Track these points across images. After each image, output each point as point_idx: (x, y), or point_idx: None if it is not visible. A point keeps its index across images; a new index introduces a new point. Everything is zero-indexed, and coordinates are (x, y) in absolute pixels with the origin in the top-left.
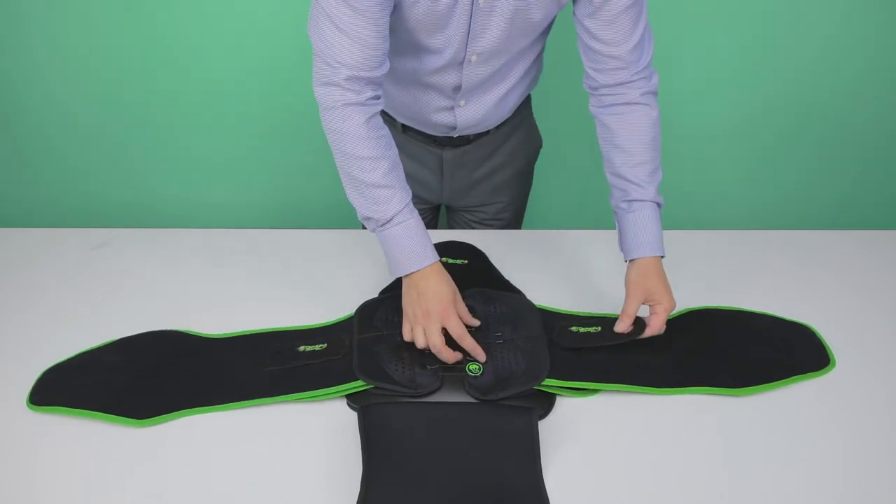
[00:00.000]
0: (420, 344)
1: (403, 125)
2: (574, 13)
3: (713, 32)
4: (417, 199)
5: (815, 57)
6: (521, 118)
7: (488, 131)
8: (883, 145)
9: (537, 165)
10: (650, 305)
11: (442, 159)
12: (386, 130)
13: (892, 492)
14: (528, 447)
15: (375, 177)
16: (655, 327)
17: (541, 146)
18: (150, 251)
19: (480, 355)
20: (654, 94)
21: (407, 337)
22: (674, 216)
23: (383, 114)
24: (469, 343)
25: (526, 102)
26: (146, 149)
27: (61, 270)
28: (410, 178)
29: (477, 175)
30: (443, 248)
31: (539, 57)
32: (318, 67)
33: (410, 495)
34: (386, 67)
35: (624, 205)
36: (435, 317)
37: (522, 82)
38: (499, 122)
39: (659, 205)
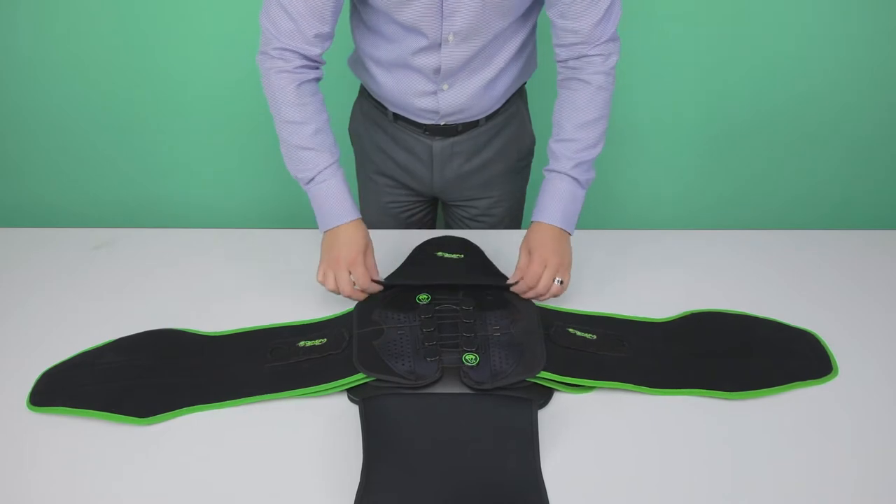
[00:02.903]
0: (329, 287)
1: (394, 114)
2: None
3: (715, 34)
4: (410, 193)
5: (815, 60)
6: (513, 112)
7: (477, 122)
8: (883, 145)
9: (536, 164)
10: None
11: (432, 150)
12: (317, 97)
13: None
14: (528, 438)
15: (300, 139)
16: (530, 276)
17: (534, 143)
18: (150, 251)
19: (373, 287)
20: (607, 73)
21: (319, 279)
22: (675, 216)
23: (376, 102)
24: (369, 288)
25: (518, 97)
26: (146, 149)
27: (61, 270)
28: (402, 170)
29: (467, 168)
30: (439, 243)
31: (526, 47)
32: (261, 40)
33: (410, 486)
34: (323, 48)
35: (545, 173)
36: (343, 263)
37: (508, 71)
38: (486, 112)
39: (577, 180)
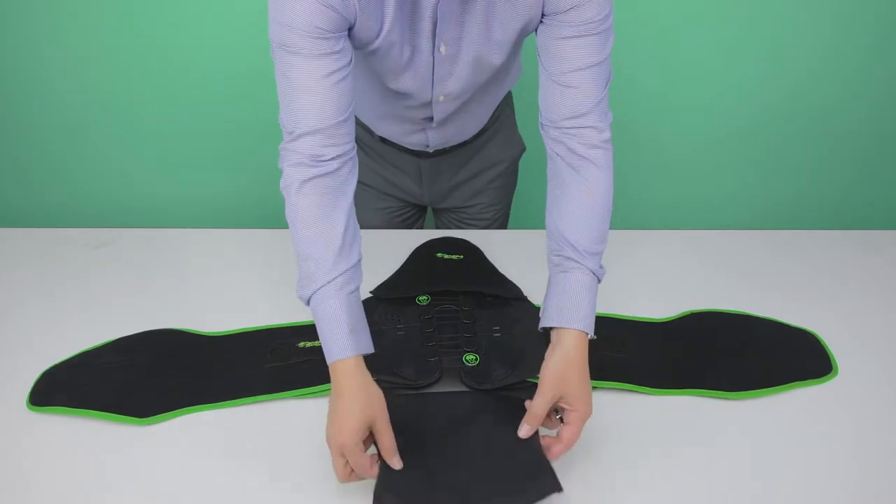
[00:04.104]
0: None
1: (381, 137)
2: (538, 46)
3: (715, 36)
4: (400, 201)
5: (815, 60)
6: (500, 125)
7: (464, 141)
8: (882, 145)
9: (531, 166)
10: (563, 409)
11: (420, 168)
12: (326, 198)
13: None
14: (529, 438)
15: (296, 244)
16: (567, 440)
17: (523, 150)
18: (150, 251)
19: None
20: (604, 147)
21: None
22: (675, 216)
23: (362, 123)
24: (356, 476)
25: (505, 108)
26: (146, 149)
27: (61, 270)
28: (391, 184)
29: (455, 181)
30: (439, 244)
31: (510, 71)
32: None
33: (410, 486)
34: (334, 140)
35: (556, 259)
36: (334, 447)
37: (495, 100)
38: (475, 132)
39: (597, 276)
